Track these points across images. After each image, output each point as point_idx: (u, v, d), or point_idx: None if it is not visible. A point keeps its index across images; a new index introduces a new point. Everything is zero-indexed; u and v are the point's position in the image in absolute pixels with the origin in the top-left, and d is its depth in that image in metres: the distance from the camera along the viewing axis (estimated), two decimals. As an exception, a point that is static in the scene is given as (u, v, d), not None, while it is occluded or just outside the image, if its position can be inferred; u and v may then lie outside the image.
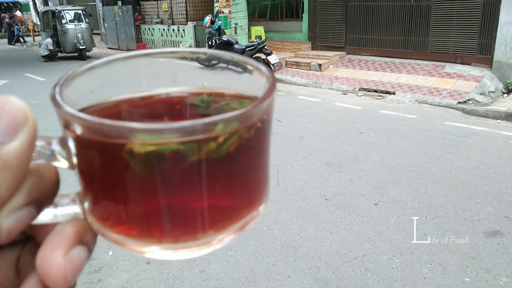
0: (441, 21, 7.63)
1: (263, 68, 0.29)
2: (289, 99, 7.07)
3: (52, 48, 13.12)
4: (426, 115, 5.81)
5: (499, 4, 6.77)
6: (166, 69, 0.33)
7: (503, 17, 6.75)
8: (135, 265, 2.55)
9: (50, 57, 13.24)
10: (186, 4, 12.57)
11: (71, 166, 0.26)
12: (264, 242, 2.75)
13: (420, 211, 3.12)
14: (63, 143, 0.25)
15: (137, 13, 13.90)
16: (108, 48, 15.58)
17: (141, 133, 0.22)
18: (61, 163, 0.26)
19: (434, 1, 7.63)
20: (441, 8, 7.58)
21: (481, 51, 7.23)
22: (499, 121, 5.60)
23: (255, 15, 12.15)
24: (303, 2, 10.27)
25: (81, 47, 13.20)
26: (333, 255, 2.62)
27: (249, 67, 0.30)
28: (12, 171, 0.22)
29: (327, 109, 6.30)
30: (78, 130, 0.24)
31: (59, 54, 13.63)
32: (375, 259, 2.57)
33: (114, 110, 0.30)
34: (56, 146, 0.25)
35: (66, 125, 0.24)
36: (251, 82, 0.29)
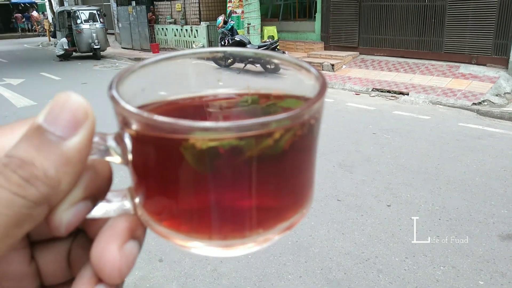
0: (456, 21, 7.54)
1: (312, 68, 0.29)
2: (301, 99, 7.06)
3: (67, 47, 13.30)
4: (440, 116, 5.75)
5: (516, 3, 6.67)
6: (212, 67, 0.34)
7: (520, 17, 6.65)
8: (148, 263, 2.58)
9: (65, 57, 13.43)
10: (199, 5, 12.63)
11: (125, 162, 0.26)
12: (276, 242, 2.76)
13: (434, 213, 3.10)
14: (118, 139, 0.26)
15: (150, 13, 14.01)
16: (122, 47, 15.74)
17: (202, 130, 0.23)
18: (115, 159, 0.26)
19: (449, 1, 7.54)
20: (456, 8, 7.49)
21: (497, 52, 7.13)
22: (515, 122, 5.52)
23: (267, 15, 12.15)
24: (316, 2, 10.24)
25: (95, 47, 13.36)
26: (345, 256, 2.61)
27: (297, 67, 0.30)
28: (73, 166, 0.23)
29: (339, 109, 6.28)
30: (137, 127, 0.24)
31: (74, 54, 13.82)
32: (387, 260, 2.56)
33: (166, 109, 0.31)
34: (111, 142, 0.26)
35: (124, 122, 0.25)
36: (296, 82, 0.30)
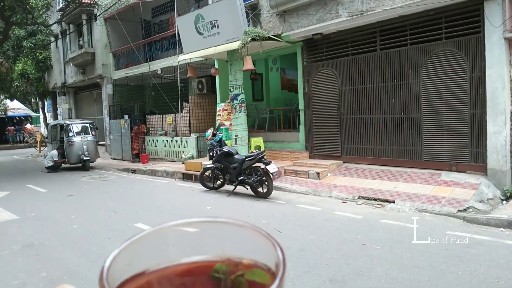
0: (432, 131, 7.99)
1: (276, 244, 0.34)
2: (289, 207, 7.07)
3: (56, 159, 13.50)
4: (427, 225, 5.75)
5: (485, 115, 7.16)
6: (188, 235, 0.37)
7: (490, 127, 7.09)
8: None
9: (54, 168, 13.55)
10: (189, 118, 13.26)
11: None
12: None
13: (431, 333, 2.93)
14: None
15: (135, 127, 14.50)
16: (111, 158, 16.02)
17: None
18: None
19: (424, 113, 8.07)
20: (431, 120, 7.99)
21: (475, 159, 7.44)
22: (501, 229, 5.53)
23: (254, 127, 12.74)
24: (299, 115, 10.85)
25: (85, 158, 13.59)
26: None
27: (267, 243, 0.35)
28: None
29: (327, 218, 6.26)
30: None
31: (63, 165, 13.97)
32: None
33: (148, 285, 0.34)
34: None
35: None
36: (262, 250, 0.34)
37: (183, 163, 11.97)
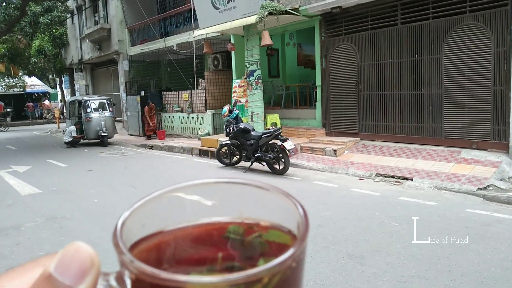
0: (453, 108, 7.82)
1: (300, 207, 0.32)
2: (305, 184, 7.08)
3: (75, 135, 13.70)
4: (446, 202, 5.70)
5: (509, 92, 6.97)
6: (206, 194, 0.36)
7: (514, 104, 6.90)
8: None
9: (73, 144, 13.77)
10: (205, 94, 13.23)
11: None
12: None
13: (451, 309, 2.93)
14: (120, 279, 0.29)
15: (146, 107, 14.39)
16: (129, 134, 16.19)
17: (196, 284, 0.26)
18: None
19: (445, 90, 7.89)
20: (452, 96, 7.81)
21: (496, 137, 7.29)
22: (523, 208, 5.45)
23: (270, 104, 12.66)
24: (316, 92, 10.73)
25: (103, 134, 13.76)
26: None
27: (288, 202, 0.33)
28: None
29: (344, 195, 6.26)
30: (136, 273, 0.27)
31: (81, 141, 14.19)
32: None
33: (162, 245, 0.34)
34: (113, 282, 0.29)
35: (125, 266, 0.28)
36: (282, 211, 0.33)
37: (199, 139, 12.03)
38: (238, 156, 8.56)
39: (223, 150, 8.81)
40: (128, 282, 0.28)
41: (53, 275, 0.26)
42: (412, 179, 6.85)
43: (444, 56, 7.83)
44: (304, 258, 0.30)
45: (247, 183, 0.36)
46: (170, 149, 12.14)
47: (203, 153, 10.88)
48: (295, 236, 0.32)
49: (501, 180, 6.38)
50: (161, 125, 15.00)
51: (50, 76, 31.32)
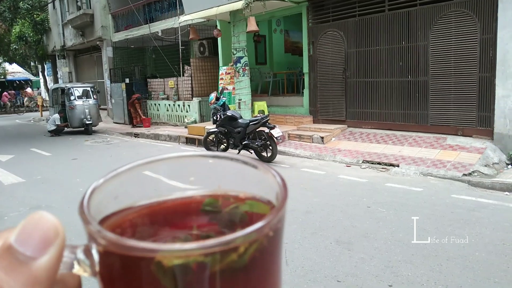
0: (439, 95, 7.88)
1: (278, 176, 0.31)
2: (293, 171, 7.08)
3: (59, 123, 13.45)
4: (432, 188, 5.76)
5: (494, 78, 7.03)
6: (183, 169, 0.35)
7: (499, 91, 6.97)
8: None
9: (57, 132, 13.53)
10: (191, 81, 13.08)
11: (94, 274, 0.27)
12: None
13: (438, 293, 2.97)
14: (87, 252, 0.27)
15: (130, 101, 14.15)
16: (114, 122, 15.97)
17: (168, 251, 0.24)
18: (84, 272, 0.27)
19: (431, 77, 7.93)
20: (438, 83, 7.86)
21: (481, 124, 7.37)
22: (506, 193, 5.54)
23: (257, 91, 12.59)
24: (303, 79, 10.69)
25: (87, 122, 13.54)
26: None
27: (264, 173, 0.32)
28: (41, 285, 0.24)
29: (332, 182, 6.28)
30: (104, 245, 0.26)
31: (66, 129, 13.95)
32: None
33: (135, 219, 0.32)
34: (80, 255, 0.27)
35: (92, 238, 0.26)
36: (261, 183, 0.32)
37: (186, 127, 11.93)
38: (225, 144, 8.51)
39: (210, 138, 8.74)
40: (96, 254, 0.27)
41: (14, 246, 0.24)
42: (398, 166, 6.91)
43: (431, 43, 7.85)
44: (283, 228, 0.29)
45: (223, 156, 0.35)
46: (156, 137, 12.02)
47: (190, 141, 10.80)
48: (274, 206, 0.30)
49: (485, 166, 6.47)
50: (147, 113, 14.81)
51: (32, 63, 30.60)
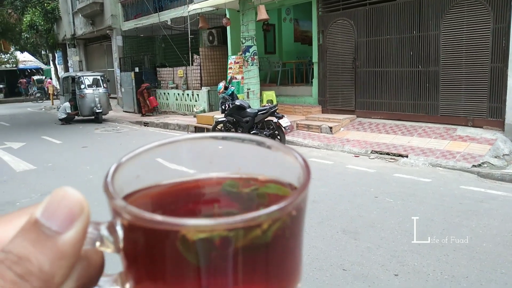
0: (450, 85, 7.78)
1: (299, 157, 0.31)
2: (301, 162, 7.07)
3: (69, 111, 13.58)
4: (441, 179, 5.73)
5: (507, 69, 6.92)
6: (203, 151, 0.35)
7: (511, 81, 6.86)
8: None
9: (67, 120, 13.66)
10: (200, 71, 13.08)
11: (117, 250, 0.28)
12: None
13: (443, 282, 2.98)
14: (111, 228, 0.27)
15: (140, 90, 14.25)
16: (123, 111, 16.06)
17: (192, 226, 0.24)
18: (107, 248, 0.27)
19: (442, 67, 7.83)
20: (449, 73, 7.76)
21: (492, 115, 7.28)
22: (516, 185, 5.49)
23: (266, 81, 12.55)
24: (312, 69, 10.63)
25: (97, 111, 13.64)
26: (354, 332, 2.47)
27: (287, 155, 0.32)
28: (67, 260, 0.24)
29: (339, 172, 6.28)
30: (129, 220, 0.26)
31: (76, 117, 14.07)
32: (399, 337, 2.41)
33: (157, 197, 0.32)
34: (104, 231, 0.27)
35: (117, 214, 0.27)
36: (283, 166, 0.31)
37: (195, 116, 11.96)
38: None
39: (219, 127, 8.77)
40: (120, 231, 0.27)
41: (40, 220, 0.24)
42: (407, 156, 6.87)
43: (443, 32, 7.74)
44: (305, 209, 0.29)
45: (246, 138, 0.35)
46: (166, 126, 12.08)
47: (198, 130, 10.85)
48: (295, 188, 0.30)
49: (495, 157, 6.41)
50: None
51: (43, 52, 30.79)
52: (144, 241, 0.26)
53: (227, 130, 8.60)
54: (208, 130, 9.88)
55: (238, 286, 0.26)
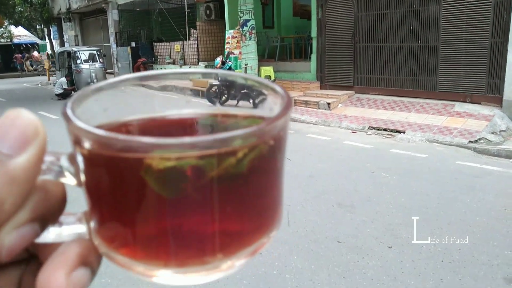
0: (449, 61, 7.72)
1: (278, 88, 0.28)
2: (298, 137, 7.08)
3: (66, 87, 13.46)
4: (437, 155, 5.75)
5: (506, 44, 6.85)
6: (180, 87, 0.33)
7: (510, 57, 6.81)
8: None
9: (64, 96, 13.55)
10: (197, 46, 12.92)
11: (79, 183, 0.25)
12: (275, 287, 2.67)
13: (436, 254, 3.02)
14: (72, 159, 0.25)
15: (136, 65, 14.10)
16: (120, 87, 15.93)
17: (160, 148, 0.21)
18: (69, 180, 0.25)
19: (442, 42, 7.74)
20: (448, 49, 7.68)
21: (490, 91, 7.25)
22: (511, 160, 5.52)
23: (264, 56, 12.43)
24: (311, 44, 10.50)
25: (94, 86, 13.53)
26: (347, 301, 2.52)
27: (264, 89, 0.30)
28: (18, 186, 0.22)
29: (337, 147, 6.29)
30: (89, 146, 0.23)
31: (73, 93, 13.94)
32: (391, 306, 2.46)
33: (126, 128, 0.30)
34: (64, 162, 0.25)
35: (77, 141, 0.24)
36: (264, 105, 0.29)
37: (190, 80, 11.87)
38: (226, 96, 8.51)
39: (213, 89, 8.71)
40: (81, 162, 0.24)
41: None
42: (404, 132, 6.88)
43: (443, 7, 7.62)
44: (285, 139, 0.26)
45: (226, 73, 0.33)
46: (163, 88, 12.01)
47: (194, 92, 10.79)
48: None
49: (492, 133, 6.42)
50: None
51: (38, 27, 30.29)
52: (107, 172, 0.24)
53: (221, 93, 8.55)
54: (203, 92, 9.82)
55: (210, 221, 0.24)
